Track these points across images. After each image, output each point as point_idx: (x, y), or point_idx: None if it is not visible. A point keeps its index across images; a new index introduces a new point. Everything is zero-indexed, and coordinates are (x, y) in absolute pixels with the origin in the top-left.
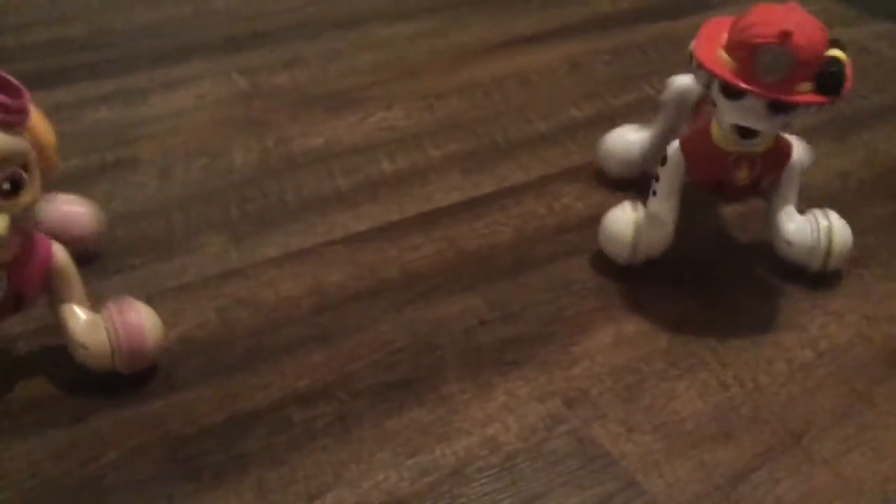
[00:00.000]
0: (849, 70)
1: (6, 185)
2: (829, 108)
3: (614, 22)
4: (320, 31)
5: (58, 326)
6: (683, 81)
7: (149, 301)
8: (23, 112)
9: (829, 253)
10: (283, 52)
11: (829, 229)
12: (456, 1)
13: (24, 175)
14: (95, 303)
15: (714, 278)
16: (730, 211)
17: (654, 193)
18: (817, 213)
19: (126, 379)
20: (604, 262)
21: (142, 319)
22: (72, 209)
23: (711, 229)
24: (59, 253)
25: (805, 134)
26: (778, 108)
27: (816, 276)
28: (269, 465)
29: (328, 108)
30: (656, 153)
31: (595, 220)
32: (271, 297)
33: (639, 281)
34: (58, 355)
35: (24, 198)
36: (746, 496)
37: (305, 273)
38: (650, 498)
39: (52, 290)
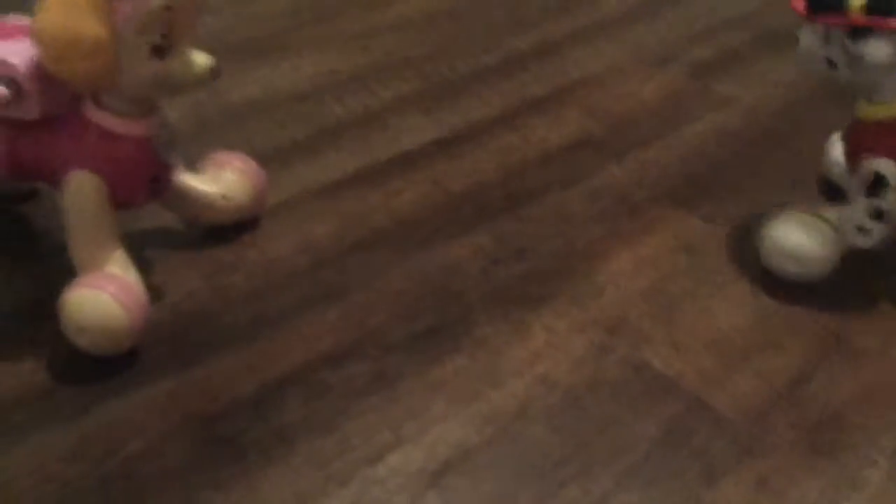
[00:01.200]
0: None
1: None
2: (760, 24)
3: None
4: None
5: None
6: None
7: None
8: None
9: None
10: None
11: None
12: None
13: None
14: None
15: (714, 195)
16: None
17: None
18: None
19: (127, 359)
20: (598, 190)
21: (250, 161)
22: None
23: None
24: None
25: (742, 50)
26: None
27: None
28: (319, 432)
29: (255, 56)
30: None
31: (574, 148)
32: (258, 257)
33: (639, 204)
34: (39, 343)
35: None
36: (808, 399)
37: (288, 229)
38: (718, 413)
39: None
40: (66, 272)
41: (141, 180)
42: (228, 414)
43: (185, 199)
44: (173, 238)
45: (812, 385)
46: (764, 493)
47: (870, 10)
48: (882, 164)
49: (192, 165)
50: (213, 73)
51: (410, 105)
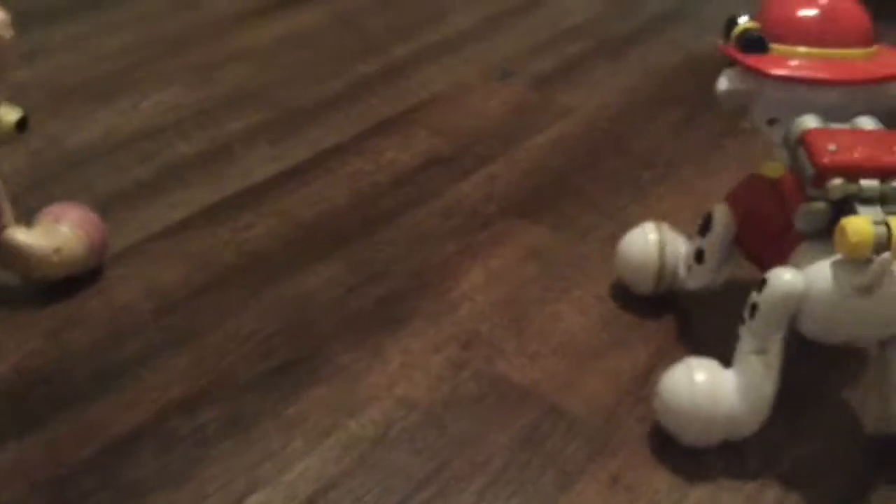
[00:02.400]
0: None
1: None
2: (597, 34)
3: None
4: (51, 18)
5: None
6: None
7: None
8: None
9: None
10: (18, 44)
11: None
12: None
13: None
14: None
15: (559, 204)
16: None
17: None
18: None
19: None
20: (449, 207)
21: (87, 211)
22: None
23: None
24: None
25: (582, 59)
26: None
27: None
28: (172, 485)
29: (92, 98)
30: None
31: (424, 167)
32: (102, 308)
33: (490, 218)
34: None
35: None
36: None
37: (132, 276)
38: (572, 416)
39: None
40: None
41: None
42: (77, 476)
43: (16, 256)
44: (11, 294)
45: (655, 379)
46: (617, 490)
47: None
48: (717, 208)
49: (29, 219)
50: (20, 127)
51: (258, 135)
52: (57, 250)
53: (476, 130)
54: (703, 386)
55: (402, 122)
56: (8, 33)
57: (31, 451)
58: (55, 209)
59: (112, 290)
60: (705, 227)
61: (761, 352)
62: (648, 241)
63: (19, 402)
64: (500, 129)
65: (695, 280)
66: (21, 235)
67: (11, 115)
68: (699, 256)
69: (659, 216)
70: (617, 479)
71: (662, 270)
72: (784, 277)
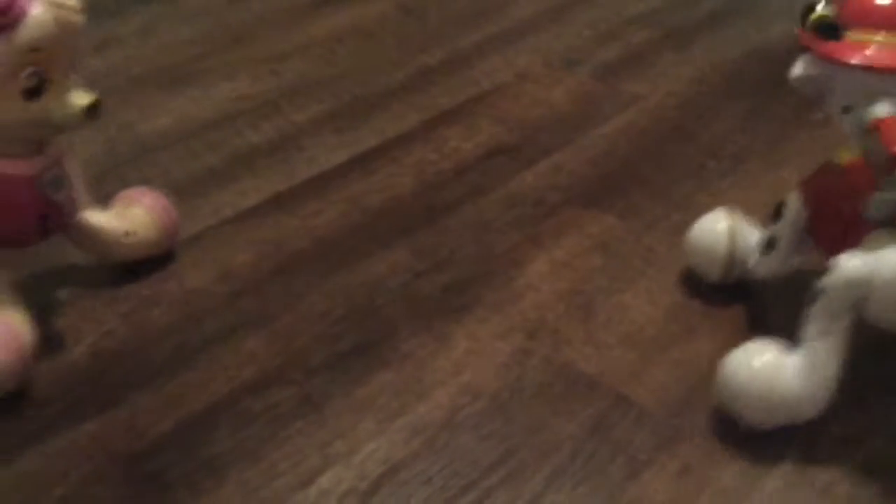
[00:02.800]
0: None
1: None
2: (662, 23)
3: None
4: (122, 8)
5: (82, 233)
6: None
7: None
8: None
9: None
10: (89, 35)
11: None
12: None
13: None
14: None
15: (625, 193)
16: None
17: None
18: None
19: (45, 404)
20: (513, 196)
21: (159, 197)
22: None
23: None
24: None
25: (647, 48)
26: None
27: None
28: (246, 462)
29: (162, 87)
30: None
31: (488, 156)
32: (177, 290)
33: (554, 207)
34: None
35: None
36: None
37: (206, 259)
38: (639, 406)
39: None
40: None
41: (26, 219)
42: (154, 451)
43: (91, 238)
44: (89, 277)
45: None
46: (686, 480)
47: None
48: (790, 195)
49: (105, 203)
50: (92, 112)
51: (324, 125)
52: (128, 233)
53: (540, 119)
54: (763, 367)
55: (466, 112)
56: (78, 18)
57: (110, 427)
58: (130, 193)
59: (186, 273)
60: (777, 214)
61: (825, 337)
62: (719, 228)
63: (98, 380)
64: (564, 119)
65: (765, 267)
66: (95, 217)
67: (84, 99)
68: (770, 243)
69: (726, 205)
70: (686, 469)
71: (732, 257)
72: (850, 263)
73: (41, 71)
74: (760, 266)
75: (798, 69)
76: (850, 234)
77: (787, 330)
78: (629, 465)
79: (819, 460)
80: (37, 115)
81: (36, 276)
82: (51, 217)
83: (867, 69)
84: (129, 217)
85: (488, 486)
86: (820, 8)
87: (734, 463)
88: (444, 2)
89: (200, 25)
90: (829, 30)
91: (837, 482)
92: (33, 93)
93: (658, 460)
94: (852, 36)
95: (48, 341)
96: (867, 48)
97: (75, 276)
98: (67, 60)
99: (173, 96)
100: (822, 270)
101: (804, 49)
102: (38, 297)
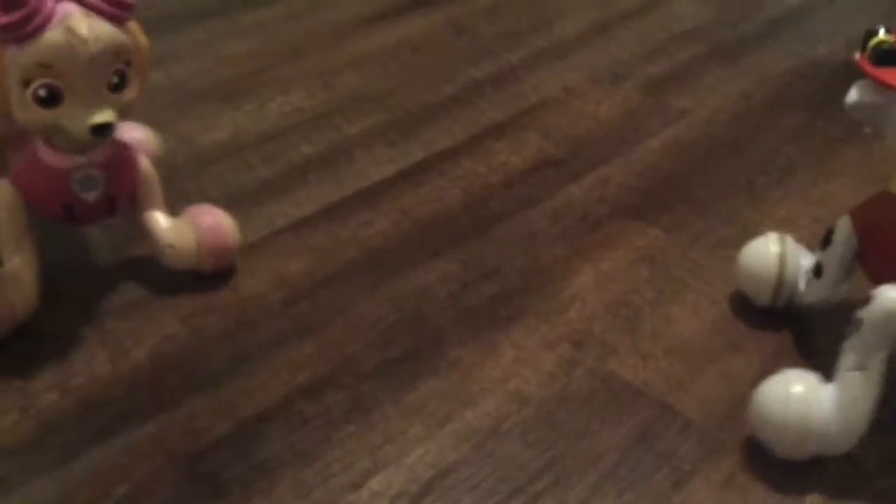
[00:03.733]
0: None
1: (115, 79)
2: (709, 39)
3: None
4: (180, 25)
5: (143, 233)
6: None
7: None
8: (130, 7)
9: None
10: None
11: None
12: None
13: (129, 71)
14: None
15: (672, 207)
16: None
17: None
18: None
19: (106, 405)
20: (560, 209)
21: (219, 220)
22: (133, 135)
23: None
24: (145, 162)
25: (695, 64)
26: None
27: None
28: (299, 464)
29: (220, 100)
30: None
31: (535, 170)
32: (232, 297)
33: (601, 220)
34: (25, 393)
35: (128, 94)
36: None
37: (260, 267)
38: (686, 418)
39: (138, 198)
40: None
41: (52, 203)
42: (210, 452)
43: (145, 238)
44: (149, 282)
45: None
46: (731, 490)
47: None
48: (840, 222)
49: (176, 210)
50: (98, 131)
51: (375, 138)
52: (172, 246)
53: (587, 133)
54: (798, 398)
55: (514, 126)
56: (89, 48)
57: (168, 428)
58: (196, 209)
59: (241, 281)
60: (826, 241)
61: (862, 369)
62: (770, 253)
63: (157, 383)
64: (611, 133)
65: (812, 294)
66: (152, 221)
67: (96, 117)
68: (818, 270)
69: (775, 221)
70: (731, 480)
71: (781, 284)
72: (891, 294)
73: (53, 84)
74: (808, 293)
75: (853, 95)
76: None
77: (829, 357)
78: (674, 475)
79: (866, 473)
80: (50, 122)
81: (102, 271)
82: (76, 209)
83: None
84: (180, 231)
85: (535, 492)
86: (881, 34)
87: (780, 474)
88: (493, 18)
89: (255, 41)
90: (887, 56)
91: (884, 497)
92: (46, 102)
93: (703, 470)
94: None
95: (111, 344)
96: None
97: (134, 282)
98: (89, 79)
99: (230, 110)
100: (865, 300)
101: (861, 74)
102: (104, 300)
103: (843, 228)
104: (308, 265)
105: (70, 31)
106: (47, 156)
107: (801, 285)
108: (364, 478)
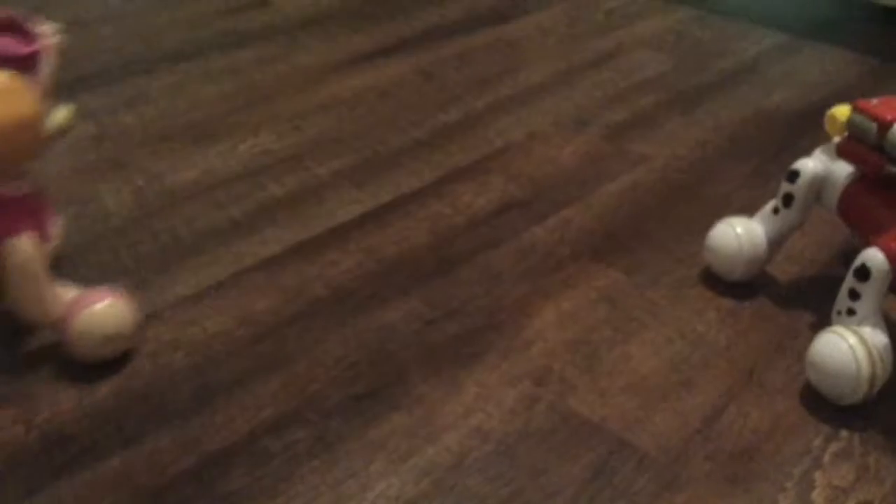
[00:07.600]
0: None
1: None
2: (669, 88)
3: (451, 31)
4: (152, 68)
5: None
6: (812, 167)
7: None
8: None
9: None
10: (122, 91)
11: None
12: (288, 25)
13: None
14: None
15: (631, 248)
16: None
17: (855, 313)
18: None
19: (73, 440)
20: (523, 250)
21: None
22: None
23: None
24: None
25: (654, 111)
26: None
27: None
28: (264, 499)
29: (191, 141)
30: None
31: (499, 212)
32: (199, 334)
33: (562, 261)
34: None
35: None
36: (724, 432)
37: (228, 305)
38: (643, 453)
39: None
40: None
41: None
42: (175, 486)
43: None
44: None
45: (725, 420)
46: None
47: None
48: (874, 258)
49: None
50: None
51: (344, 180)
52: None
53: (550, 177)
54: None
55: (479, 169)
56: (57, 40)
57: (133, 462)
58: (82, 295)
59: (208, 319)
60: (793, 176)
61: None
62: (736, 231)
63: (122, 417)
64: (573, 176)
65: (783, 225)
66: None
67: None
68: (787, 201)
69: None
70: None
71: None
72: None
73: None
74: (775, 228)
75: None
76: None
77: (788, 384)
78: None
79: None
80: None
81: None
82: None
83: None
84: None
85: None
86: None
87: None
88: (461, 65)
89: (227, 84)
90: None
91: None
92: None
93: None
94: None
95: (74, 380)
96: None
97: None
98: None
99: (201, 150)
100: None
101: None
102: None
103: (880, 263)
104: (275, 303)
105: None
106: None
107: (765, 224)
108: None
